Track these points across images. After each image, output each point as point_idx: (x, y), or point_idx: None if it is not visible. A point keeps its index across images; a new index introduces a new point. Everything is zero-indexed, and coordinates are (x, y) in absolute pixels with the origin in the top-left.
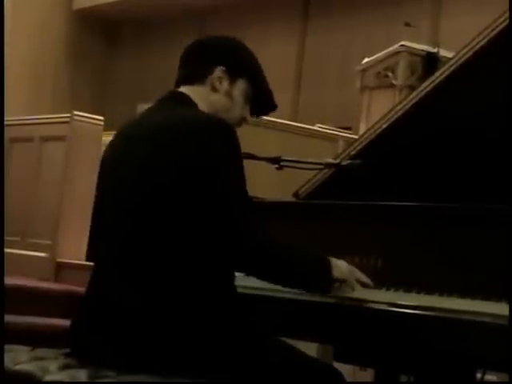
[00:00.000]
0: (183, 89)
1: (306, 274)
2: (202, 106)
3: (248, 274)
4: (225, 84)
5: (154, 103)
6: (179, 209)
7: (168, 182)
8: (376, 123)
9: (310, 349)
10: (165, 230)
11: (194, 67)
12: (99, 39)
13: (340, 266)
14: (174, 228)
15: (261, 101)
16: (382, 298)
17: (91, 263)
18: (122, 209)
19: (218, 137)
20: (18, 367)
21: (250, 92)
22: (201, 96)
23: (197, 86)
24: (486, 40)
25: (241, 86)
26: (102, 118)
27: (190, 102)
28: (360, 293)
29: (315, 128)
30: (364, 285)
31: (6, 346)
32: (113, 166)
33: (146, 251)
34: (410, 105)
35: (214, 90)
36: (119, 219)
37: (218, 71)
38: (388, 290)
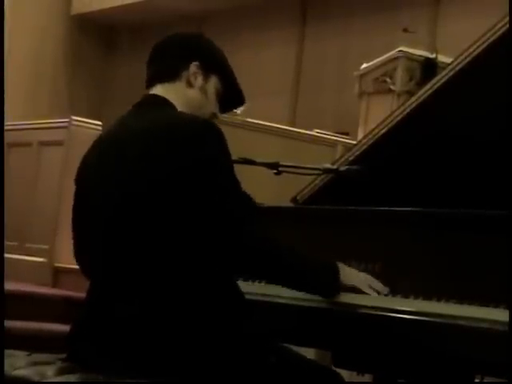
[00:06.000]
0: (158, 88)
1: (310, 275)
2: (179, 104)
3: (250, 273)
4: (199, 79)
5: (130, 109)
6: (174, 213)
7: (162, 185)
8: (374, 129)
9: (307, 354)
10: (160, 235)
11: (169, 63)
12: (97, 44)
13: (349, 272)
14: (170, 232)
15: (230, 97)
16: (380, 303)
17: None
18: (115, 215)
19: (209, 138)
20: (15, 372)
21: (221, 89)
22: (177, 93)
23: (172, 82)
24: (484, 45)
25: (213, 82)
26: (99, 122)
27: (167, 103)
28: (359, 298)
29: (313, 133)
30: (379, 292)
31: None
32: (97, 175)
33: (141, 256)
34: (408, 110)
35: (190, 85)
36: (112, 226)
37: (193, 66)
38: (386, 295)
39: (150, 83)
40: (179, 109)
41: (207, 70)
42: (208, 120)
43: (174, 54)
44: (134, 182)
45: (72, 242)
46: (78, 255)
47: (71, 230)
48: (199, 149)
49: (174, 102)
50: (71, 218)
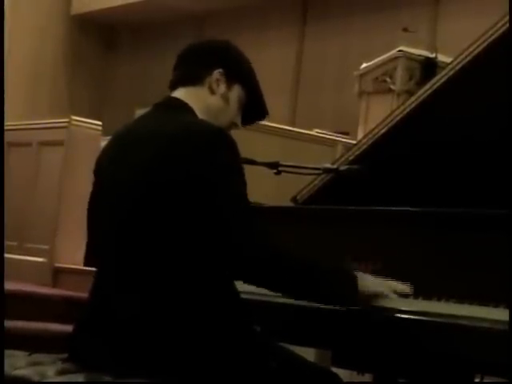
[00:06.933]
0: (179, 92)
1: (325, 288)
2: (198, 109)
3: (256, 285)
4: (222, 87)
5: (150, 109)
6: (180, 217)
7: (169, 189)
8: (374, 128)
9: (307, 354)
10: (165, 238)
11: (193, 68)
12: (97, 44)
13: (367, 280)
14: (174, 236)
15: (253, 109)
16: (380, 302)
17: (89, 268)
18: (122, 216)
19: (221, 146)
20: (15, 372)
21: (244, 99)
22: (198, 98)
23: (194, 87)
24: (484, 45)
25: (237, 91)
26: (99, 122)
27: (186, 107)
28: None
29: (313, 133)
30: (403, 294)
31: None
32: (109, 173)
33: (145, 258)
34: (408, 110)
35: (212, 92)
36: (118, 226)
37: (217, 73)
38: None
39: (174, 86)
40: (198, 114)
41: (231, 78)
42: (222, 128)
43: (199, 59)
44: (142, 183)
45: (72, 241)
46: (90, 252)
47: (86, 227)
48: (210, 156)
49: (194, 107)
50: (86, 211)
